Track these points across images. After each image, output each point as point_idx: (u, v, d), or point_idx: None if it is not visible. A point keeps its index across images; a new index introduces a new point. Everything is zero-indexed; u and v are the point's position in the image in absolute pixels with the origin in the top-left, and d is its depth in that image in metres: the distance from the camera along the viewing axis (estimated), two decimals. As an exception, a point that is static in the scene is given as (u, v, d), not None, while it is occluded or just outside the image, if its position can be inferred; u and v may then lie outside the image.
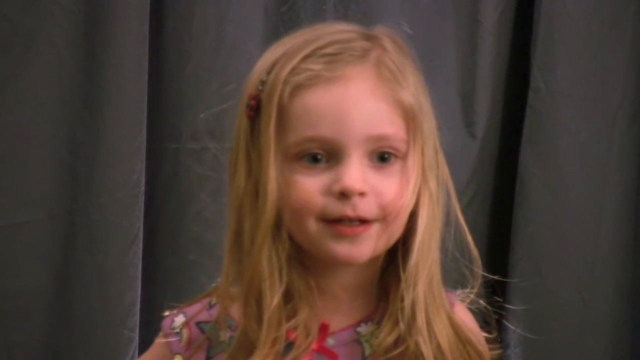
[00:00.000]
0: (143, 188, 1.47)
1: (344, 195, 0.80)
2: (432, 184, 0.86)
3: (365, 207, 0.81)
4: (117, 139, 1.45)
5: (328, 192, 0.81)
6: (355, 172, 0.80)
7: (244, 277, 0.85)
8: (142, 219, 1.47)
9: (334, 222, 0.81)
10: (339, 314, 0.88)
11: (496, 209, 1.72)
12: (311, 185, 0.81)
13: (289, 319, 0.84)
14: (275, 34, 1.55)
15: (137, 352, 1.47)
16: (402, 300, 0.84)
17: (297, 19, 1.56)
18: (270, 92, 0.83)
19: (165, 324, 0.94)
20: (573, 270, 1.69)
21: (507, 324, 1.58)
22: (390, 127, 0.82)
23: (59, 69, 1.43)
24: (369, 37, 0.86)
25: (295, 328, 0.84)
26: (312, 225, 0.82)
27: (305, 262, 0.86)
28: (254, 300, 0.84)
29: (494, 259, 1.70)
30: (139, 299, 1.48)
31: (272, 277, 0.83)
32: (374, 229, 0.82)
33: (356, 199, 0.80)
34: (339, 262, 0.83)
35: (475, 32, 1.67)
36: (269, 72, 0.85)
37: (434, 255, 0.86)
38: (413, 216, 0.85)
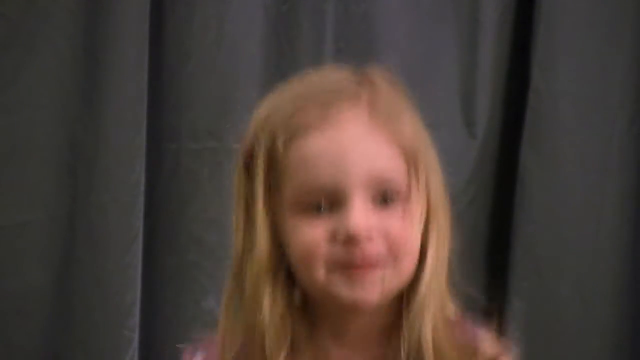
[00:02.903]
0: (143, 188, 1.47)
1: (350, 239, 0.79)
2: (441, 220, 0.85)
3: (373, 250, 0.79)
4: (117, 139, 1.45)
5: (333, 237, 0.79)
6: (360, 215, 0.79)
7: (245, 329, 0.84)
8: (142, 219, 1.47)
9: (342, 266, 0.80)
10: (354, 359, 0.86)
11: (496, 209, 1.72)
12: (317, 234, 0.80)
13: None
14: (275, 34, 1.55)
15: (136, 352, 1.47)
16: (408, 341, 0.83)
17: (297, 19, 1.56)
18: (263, 142, 0.82)
19: None
20: (573, 270, 1.69)
21: (507, 324, 1.59)
22: (390, 164, 0.81)
23: (59, 69, 1.43)
24: (360, 80, 0.85)
25: None
26: (321, 272, 0.80)
27: (317, 311, 0.84)
28: (258, 353, 0.82)
29: (494, 259, 1.70)
30: (139, 299, 1.48)
31: (276, 329, 0.82)
32: (384, 269, 0.80)
33: (363, 242, 0.79)
34: (351, 307, 0.81)
35: (475, 32, 1.67)
36: (262, 127, 0.84)
37: (442, 292, 0.85)
38: (420, 256, 0.83)
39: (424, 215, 0.83)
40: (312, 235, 0.80)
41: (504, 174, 1.71)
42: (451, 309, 0.87)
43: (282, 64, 1.54)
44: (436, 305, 0.84)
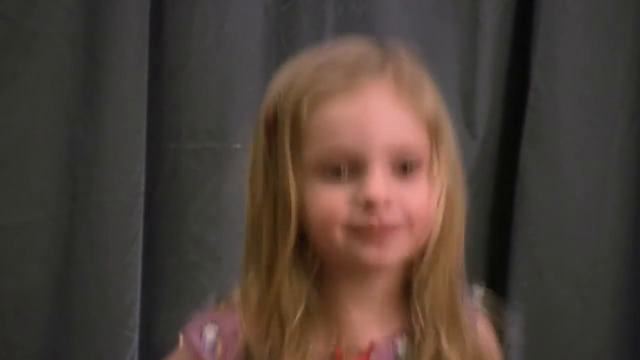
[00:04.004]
0: (143, 188, 1.47)
1: (369, 204, 0.80)
2: (452, 191, 0.87)
3: (391, 217, 0.81)
4: (117, 139, 1.45)
5: (353, 202, 0.81)
6: (380, 182, 0.80)
7: (264, 291, 0.85)
8: (142, 219, 1.47)
9: (361, 230, 0.81)
10: (375, 325, 0.88)
11: (496, 209, 1.72)
12: (336, 196, 0.81)
13: (311, 335, 0.84)
14: (275, 34, 1.55)
15: (137, 352, 1.47)
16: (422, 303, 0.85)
17: (297, 19, 1.56)
18: (287, 106, 0.84)
19: (191, 334, 0.90)
20: (573, 270, 1.69)
21: (507, 324, 1.58)
22: (413, 135, 0.83)
23: (59, 69, 1.43)
24: (384, 52, 0.86)
25: (338, 343, 0.84)
26: (339, 235, 0.81)
27: (335, 277, 0.86)
28: (276, 315, 0.84)
29: (494, 259, 1.70)
30: (139, 299, 1.48)
31: (294, 293, 0.84)
32: (401, 234, 0.82)
33: (381, 209, 0.80)
34: (369, 266, 0.83)
35: (475, 32, 1.67)
36: (286, 87, 0.85)
37: (453, 258, 0.87)
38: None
39: (444, 187, 0.85)
40: (332, 199, 0.81)
41: (504, 174, 1.71)
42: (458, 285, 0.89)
43: (282, 64, 1.54)
44: (448, 269, 0.86)
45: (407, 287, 0.88)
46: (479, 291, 0.94)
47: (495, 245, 1.71)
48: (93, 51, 1.44)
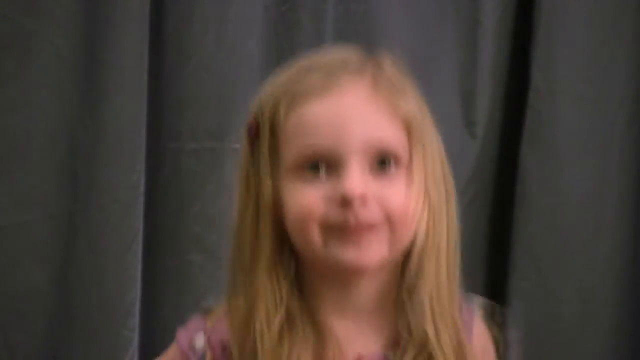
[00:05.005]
0: (143, 188, 1.47)
1: (345, 201, 0.79)
2: (434, 195, 0.85)
3: (368, 214, 0.80)
4: (117, 139, 1.45)
5: (330, 199, 0.80)
6: (355, 178, 0.80)
7: (245, 296, 0.85)
8: (142, 219, 1.47)
9: (338, 229, 0.80)
10: (363, 336, 0.87)
11: (496, 209, 1.72)
12: (313, 194, 0.81)
13: (294, 345, 0.83)
14: (275, 34, 1.55)
15: (137, 352, 1.47)
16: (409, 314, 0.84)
17: (297, 19, 1.56)
18: (266, 109, 0.84)
19: (182, 340, 0.91)
20: (573, 270, 1.69)
21: (507, 324, 1.59)
22: (389, 132, 0.82)
23: (59, 69, 1.43)
24: (365, 56, 0.87)
25: (323, 355, 0.83)
26: (316, 235, 0.81)
27: (316, 283, 0.85)
28: (256, 321, 0.83)
29: (494, 259, 1.70)
30: (139, 299, 1.48)
31: (274, 297, 0.83)
32: (380, 234, 0.81)
33: (358, 206, 0.79)
34: (347, 268, 0.82)
35: (475, 32, 1.67)
36: (267, 92, 0.86)
37: (440, 267, 0.85)
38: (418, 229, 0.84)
39: (422, 186, 0.84)
40: (308, 198, 0.81)
41: (504, 174, 1.71)
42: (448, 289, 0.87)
43: (282, 64, 1.54)
44: (436, 275, 0.85)
45: (398, 302, 0.86)
46: (478, 300, 0.93)
47: (495, 245, 1.71)
48: (93, 51, 1.44)
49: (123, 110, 1.45)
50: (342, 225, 0.80)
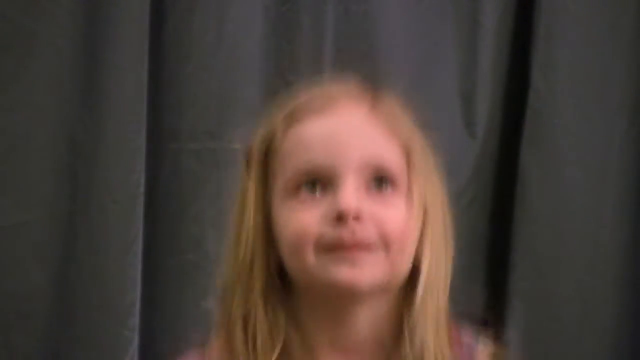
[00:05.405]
0: (143, 188, 1.47)
1: (340, 219, 0.78)
2: (436, 231, 0.84)
3: (364, 233, 0.79)
4: (117, 139, 1.45)
5: (325, 218, 0.79)
6: (350, 194, 0.79)
7: (239, 328, 0.84)
8: (142, 219, 1.47)
9: (332, 248, 0.79)
10: None
11: (496, 209, 1.72)
12: (307, 216, 0.80)
13: None
14: (275, 34, 1.55)
15: (137, 352, 1.47)
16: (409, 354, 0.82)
17: (297, 19, 1.56)
18: (264, 132, 0.84)
19: None
20: (573, 270, 1.69)
21: (507, 324, 1.59)
22: (386, 152, 0.82)
23: (59, 69, 1.43)
24: (366, 87, 0.86)
25: None
26: (311, 256, 0.80)
27: (310, 314, 0.84)
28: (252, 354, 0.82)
29: (494, 259, 1.70)
30: (139, 299, 1.47)
31: (268, 328, 0.82)
32: (375, 255, 0.80)
33: (353, 224, 0.78)
34: (341, 287, 0.80)
35: (475, 32, 1.67)
36: (264, 124, 0.86)
37: (440, 304, 0.84)
38: (416, 261, 0.83)
39: (420, 213, 0.83)
40: (303, 217, 0.80)
41: (504, 174, 1.71)
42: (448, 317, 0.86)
43: (282, 64, 1.54)
44: (436, 312, 0.83)
45: (395, 337, 0.84)
46: (483, 340, 0.90)
47: (495, 245, 1.71)
48: (93, 51, 1.44)
49: (123, 110, 1.45)
50: (336, 244, 0.79)
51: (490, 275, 1.69)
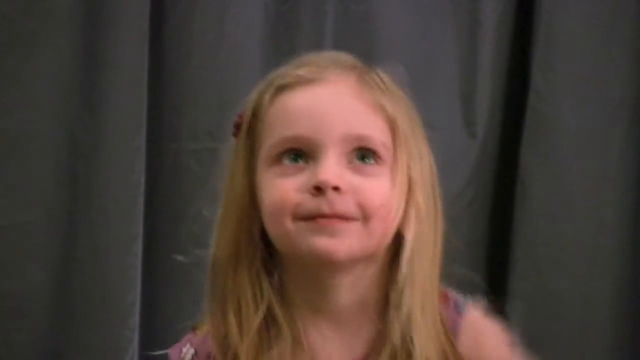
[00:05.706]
0: (143, 188, 1.47)
1: (318, 190, 0.79)
2: (422, 204, 0.84)
3: (342, 205, 0.79)
4: (117, 139, 1.45)
5: (304, 189, 0.80)
6: (330, 167, 0.79)
7: (221, 298, 0.86)
8: (142, 219, 1.47)
9: (311, 218, 0.80)
10: (341, 343, 0.85)
11: (496, 209, 1.72)
12: (287, 184, 0.80)
13: (272, 346, 0.82)
14: (275, 34, 1.55)
15: (137, 352, 1.47)
16: (395, 322, 0.82)
17: (297, 19, 1.56)
18: (250, 101, 0.85)
19: (174, 354, 0.91)
20: (573, 270, 1.69)
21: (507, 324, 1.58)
22: (371, 128, 0.81)
23: (59, 69, 1.43)
24: (360, 59, 0.86)
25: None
26: (290, 225, 0.80)
27: (292, 285, 0.85)
28: (233, 324, 0.83)
29: (494, 259, 1.70)
30: (139, 299, 1.48)
31: (253, 295, 0.83)
32: (354, 226, 0.80)
33: (332, 195, 0.79)
34: (319, 256, 0.80)
35: (475, 32, 1.67)
36: (252, 94, 0.87)
37: (427, 274, 0.84)
38: (400, 234, 0.83)
39: (404, 188, 0.83)
40: (283, 185, 0.81)
41: (504, 174, 1.71)
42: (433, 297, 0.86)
43: (282, 64, 1.54)
44: (424, 280, 0.83)
45: (382, 304, 0.84)
46: (474, 301, 0.91)
47: (495, 245, 1.71)
48: (93, 51, 1.44)
49: (123, 110, 1.45)
50: (315, 214, 0.79)
51: (490, 275, 1.69)
